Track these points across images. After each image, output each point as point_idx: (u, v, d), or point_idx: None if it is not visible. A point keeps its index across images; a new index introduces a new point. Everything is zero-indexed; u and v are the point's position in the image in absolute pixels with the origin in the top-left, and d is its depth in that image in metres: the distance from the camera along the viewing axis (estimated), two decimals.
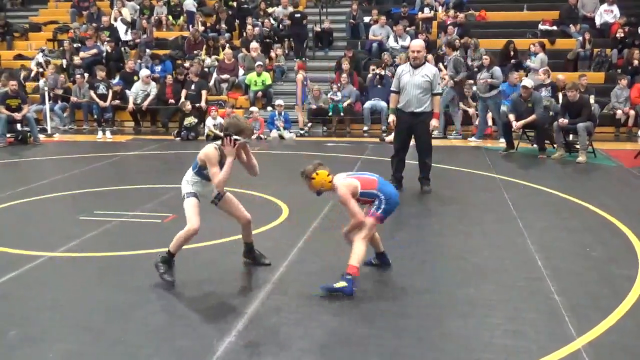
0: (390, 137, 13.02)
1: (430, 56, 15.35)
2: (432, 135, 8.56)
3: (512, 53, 15.29)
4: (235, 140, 4.74)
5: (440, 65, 14.26)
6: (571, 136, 11.25)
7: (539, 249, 5.84)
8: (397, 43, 16.11)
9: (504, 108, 12.82)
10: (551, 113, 12.08)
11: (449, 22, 16.45)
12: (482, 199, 8.09)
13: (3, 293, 4.89)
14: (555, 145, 11.31)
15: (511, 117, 11.37)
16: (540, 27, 16.67)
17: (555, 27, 16.63)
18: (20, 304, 4.67)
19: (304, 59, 16.62)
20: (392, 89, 8.41)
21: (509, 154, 11.47)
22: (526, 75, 14.03)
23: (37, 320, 4.37)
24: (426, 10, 17.70)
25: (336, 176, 4.98)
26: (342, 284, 4.72)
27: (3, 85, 14.09)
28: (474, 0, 18.38)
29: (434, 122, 8.10)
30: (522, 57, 15.04)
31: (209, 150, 4.91)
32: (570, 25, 16.41)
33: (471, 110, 13.72)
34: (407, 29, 16.48)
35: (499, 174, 9.45)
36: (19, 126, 13.18)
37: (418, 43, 8.27)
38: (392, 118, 8.30)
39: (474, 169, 9.92)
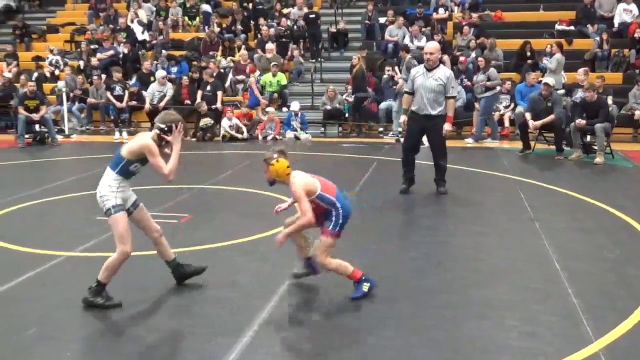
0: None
1: (446, 57, 15.38)
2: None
3: (528, 53, 15.21)
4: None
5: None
6: (588, 137, 11.18)
7: (555, 250, 5.80)
8: (413, 44, 16.07)
9: (520, 108, 12.77)
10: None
11: (464, 23, 16.39)
12: (497, 200, 8.05)
13: (22, 292, 4.95)
14: (572, 146, 11.24)
15: (528, 116, 11.31)
16: (557, 27, 16.55)
17: (572, 27, 16.51)
18: (38, 302, 4.71)
19: (319, 59, 16.63)
20: (405, 89, 8.37)
21: (525, 154, 11.40)
22: (542, 76, 13.94)
23: (55, 319, 4.41)
24: (441, 10, 17.65)
25: (297, 172, 4.74)
26: (366, 286, 4.70)
27: (22, 86, 14.24)
28: (490, 1, 18.30)
29: (446, 126, 8.00)
30: (539, 58, 14.94)
31: (147, 141, 4.47)
32: (588, 26, 16.29)
33: (497, 115, 13.65)
34: (423, 29, 16.44)
35: (515, 175, 9.40)
36: (37, 127, 13.30)
37: (432, 45, 8.18)
38: (403, 118, 8.25)
39: (489, 170, 9.88)
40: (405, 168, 8.26)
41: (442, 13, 17.57)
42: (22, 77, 15.16)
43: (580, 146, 10.92)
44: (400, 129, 13.38)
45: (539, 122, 11.13)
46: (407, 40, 16.20)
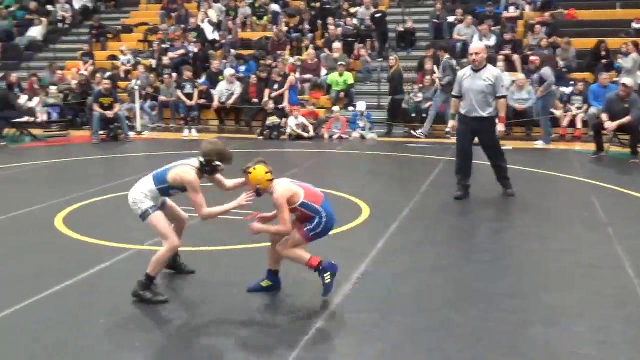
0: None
1: (516, 57, 15.07)
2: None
3: (603, 53, 14.71)
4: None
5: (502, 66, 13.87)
6: None
7: (629, 257, 5.59)
8: (482, 43, 15.76)
9: (593, 109, 12.38)
10: None
11: (536, 21, 16.00)
12: (569, 204, 7.83)
13: (94, 283, 5.12)
14: None
15: (604, 117, 10.95)
16: (634, 25, 15.93)
17: None
18: (109, 294, 4.87)
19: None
20: (453, 93, 8.14)
21: (598, 157, 11.04)
22: (617, 76, 13.48)
23: (124, 310, 4.54)
24: (511, 9, 17.27)
25: (281, 179, 4.65)
26: (327, 276, 4.55)
27: (97, 84, 14.74)
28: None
29: (500, 127, 7.74)
30: (614, 57, 14.44)
31: (190, 175, 4.55)
32: None
33: (558, 113, 13.27)
34: (493, 28, 16.14)
35: (588, 178, 9.12)
36: (110, 124, 13.72)
37: (477, 45, 8.00)
38: (451, 124, 8.06)
39: (561, 173, 9.61)
40: (460, 175, 7.91)
41: (512, 11, 17.20)
42: (98, 75, 15.70)
43: None
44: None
45: (615, 124, 10.76)
46: (475, 40, 15.93)
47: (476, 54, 7.61)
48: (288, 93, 14.74)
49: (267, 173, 4.51)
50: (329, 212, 4.61)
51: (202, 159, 4.62)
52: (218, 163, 4.64)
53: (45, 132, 14.40)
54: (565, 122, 13.28)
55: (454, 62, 13.55)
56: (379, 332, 4.17)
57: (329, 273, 4.57)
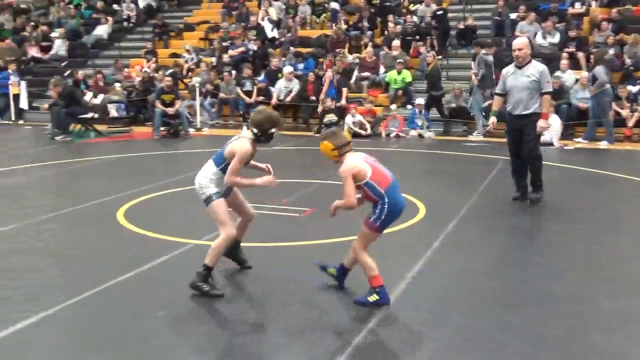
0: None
1: (581, 54, 14.65)
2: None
3: None
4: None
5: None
6: None
7: None
8: (546, 40, 15.44)
9: None
10: None
11: (602, 18, 15.52)
12: (635, 207, 7.57)
13: (155, 276, 5.22)
14: None
15: None
16: None
17: None
18: (169, 286, 4.95)
19: (446, 56, 16.36)
20: (496, 91, 7.92)
21: None
22: None
23: (182, 303, 4.61)
24: (577, 5, 16.79)
25: (355, 154, 4.58)
26: (374, 297, 4.48)
27: (159, 81, 15.04)
28: None
29: (541, 122, 7.35)
30: None
31: (244, 146, 4.67)
32: None
33: (625, 112, 12.85)
34: (557, 25, 15.74)
35: None
36: (171, 120, 13.98)
37: (520, 40, 7.67)
38: (492, 120, 7.79)
39: (626, 174, 9.30)
40: (515, 176, 7.69)
41: (578, 8, 16.72)
42: (160, 73, 16.03)
43: None
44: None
45: None
46: (539, 37, 15.59)
47: (519, 49, 7.33)
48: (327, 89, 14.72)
49: (332, 149, 4.53)
50: (392, 197, 4.49)
51: (255, 130, 4.68)
52: (272, 130, 4.70)
53: (109, 127, 14.79)
54: (631, 123, 12.84)
55: (490, 57, 13.34)
56: (433, 332, 4.12)
57: (377, 298, 4.50)
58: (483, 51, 13.47)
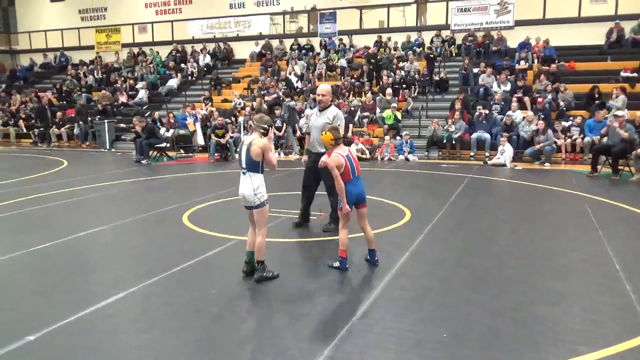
0: (494, 160, 12.46)
1: (527, 98, 14.53)
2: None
3: (597, 95, 14.03)
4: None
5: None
6: None
7: (616, 254, 5.28)
8: (500, 88, 15.38)
9: (588, 139, 11.80)
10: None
11: (542, 71, 15.42)
12: (567, 212, 7.47)
13: (210, 263, 5.22)
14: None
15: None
16: (622, 74, 15.14)
17: (635, 74, 15.04)
18: (220, 271, 4.95)
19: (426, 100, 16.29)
20: (305, 130, 6.57)
21: (592, 176, 10.49)
22: (608, 113, 12.82)
23: (231, 284, 4.61)
24: (522, 62, 16.72)
25: (341, 148, 4.82)
26: (336, 264, 4.81)
27: (214, 119, 15.12)
28: (565, 54, 17.07)
29: (324, 158, 5.90)
30: (606, 99, 13.74)
31: (265, 141, 4.47)
32: None
33: (560, 141, 12.71)
34: (508, 77, 15.67)
35: (582, 192, 8.68)
36: (223, 148, 14.02)
37: (324, 87, 6.44)
38: (304, 158, 6.60)
39: (562, 188, 9.19)
40: (303, 205, 6.54)
41: (523, 64, 16.64)
42: (215, 113, 16.12)
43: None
44: (487, 154, 12.91)
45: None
46: (494, 86, 15.52)
47: (322, 95, 6.33)
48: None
49: (331, 140, 4.83)
50: (350, 188, 4.77)
51: (263, 128, 4.56)
52: (269, 127, 4.62)
53: (177, 154, 14.89)
54: (563, 149, 12.72)
55: (292, 103, 13.57)
56: (416, 306, 4.08)
57: (338, 265, 4.81)
58: (288, 99, 13.32)
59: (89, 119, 18.48)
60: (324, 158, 6.04)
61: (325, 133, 4.82)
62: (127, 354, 3.41)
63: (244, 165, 4.56)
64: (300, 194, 6.61)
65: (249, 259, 4.71)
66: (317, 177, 6.34)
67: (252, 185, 4.52)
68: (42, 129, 18.68)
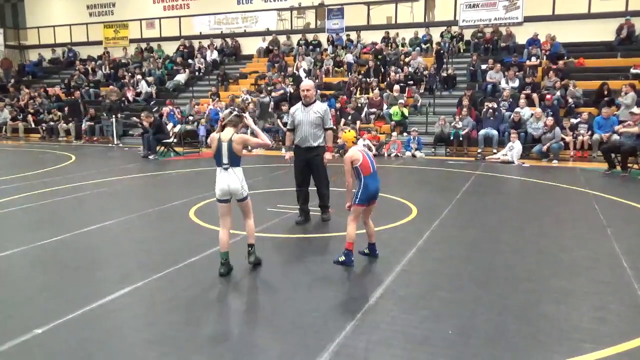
0: (496, 156, 12.41)
1: (535, 95, 14.45)
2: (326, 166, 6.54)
3: (606, 92, 13.92)
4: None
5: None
6: None
7: (624, 252, 5.25)
8: (508, 85, 15.29)
9: (597, 136, 11.71)
10: None
11: (551, 68, 15.32)
12: (575, 209, 7.42)
13: (216, 258, 5.11)
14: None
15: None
16: (632, 71, 15.01)
17: None
18: (234, 263, 4.95)
19: (434, 96, 16.24)
20: (289, 127, 6.55)
21: (604, 174, 10.40)
22: (617, 110, 12.73)
23: (236, 277, 4.61)
24: (533, 59, 16.61)
25: (356, 146, 4.85)
26: (342, 258, 4.75)
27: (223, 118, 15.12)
28: (574, 50, 16.95)
29: (327, 155, 6.38)
30: (615, 96, 13.63)
31: (241, 135, 4.64)
32: None
33: (568, 138, 12.64)
34: (517, 73, 15.58)
35: (592, 190, 8.62)
36: None
37: (308, 83, 6.41)
38: (289, 154, 6.50)
39: (569, 185, 9.13)
40: (300, 202, 6.57)
41: (533, 61, 16.54)
42: (226, 112, 16.10)
43: None
44: (494, 150, 12.84)
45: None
46: (502, 82, 15.43)
47: (307, 90, 6.27)
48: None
49: (354, 137, 4.93)
50: (367, 182, 4.72)
51: (247, 114, 4.77)
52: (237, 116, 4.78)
53: (184, 149, 14.93)
54: (572, 146, 12.63)
55: (266, 99, 13.73)
56: (423, 303, 4.07)
57: (344, 259, 4.73)
58: (262, 95, 13.26)
59: (89, 114, 18.41)
60: (327, 155, 6.16)
61: (348, 131, 4.91)
62: (134, 347, 3.43)
63: (225, 162, 4.65)
64: (295, 192, 6.62)
65: (225, 260, 4.67)
66: (309, 172, 6.48)
67: (238, 179, 4.64)
68: (77, 123, 18.49)
